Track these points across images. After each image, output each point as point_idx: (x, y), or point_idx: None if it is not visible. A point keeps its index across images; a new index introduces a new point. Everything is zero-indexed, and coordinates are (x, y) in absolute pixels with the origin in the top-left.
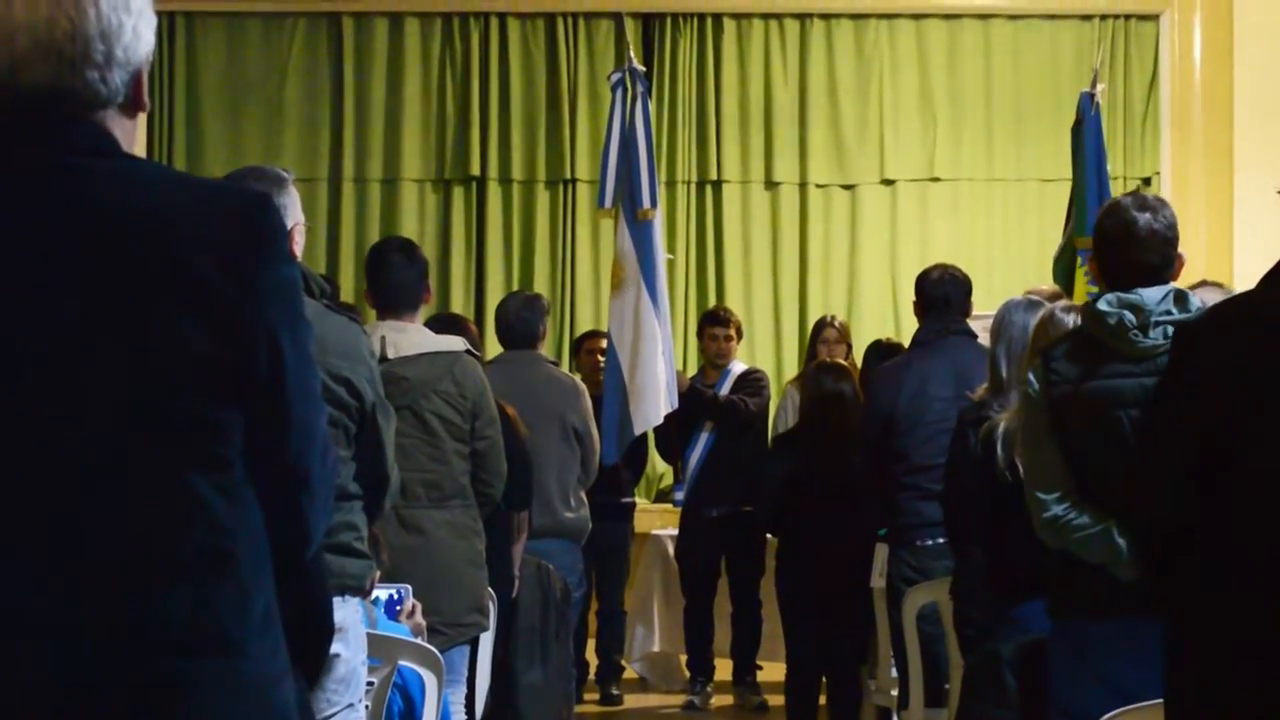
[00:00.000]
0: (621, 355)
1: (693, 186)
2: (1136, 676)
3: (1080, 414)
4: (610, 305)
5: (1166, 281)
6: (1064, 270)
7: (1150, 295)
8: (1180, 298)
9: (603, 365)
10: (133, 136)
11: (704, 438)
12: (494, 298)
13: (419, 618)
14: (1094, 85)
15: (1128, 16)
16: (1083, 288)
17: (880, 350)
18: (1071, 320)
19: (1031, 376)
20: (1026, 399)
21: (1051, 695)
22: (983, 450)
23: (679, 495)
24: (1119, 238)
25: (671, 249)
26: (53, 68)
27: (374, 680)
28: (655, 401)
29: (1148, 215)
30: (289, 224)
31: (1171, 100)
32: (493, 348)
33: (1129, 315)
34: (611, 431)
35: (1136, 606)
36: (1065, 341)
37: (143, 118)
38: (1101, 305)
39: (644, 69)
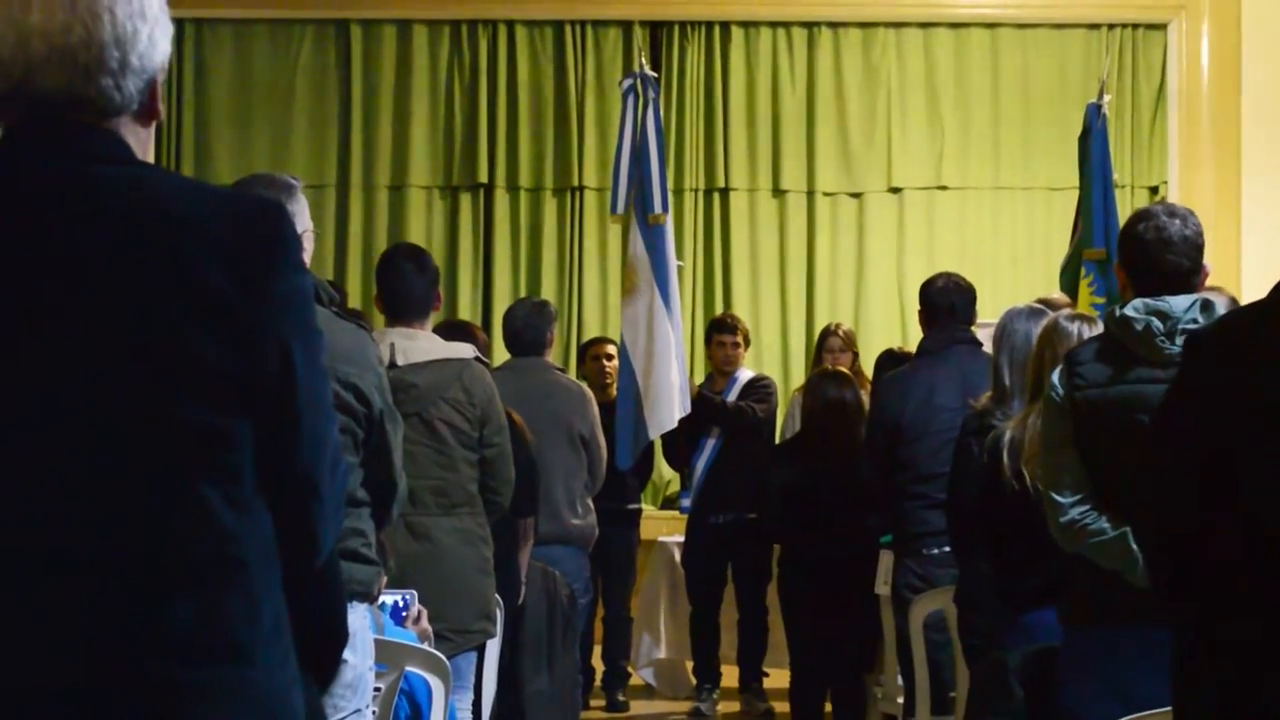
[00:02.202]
0: (635, 360)
1: (700, 194)
2: (1148, 686)
3: (1104, 419)
4: (622, 311)
5: (1194, 289)
6: (1070, 281)
7: (1178, 303)
8: (1206, 306)
9: (609, 372)
10: (147, 145)
11: (710, 444)
12: (501, 304)
13: (425, 623)
14: (1100, 96)
15: (1135, 26)
16: (1087, 298)
17: (892, 359)
18: (1076, 329)
19: (1056, 380)
20: (1049, 402)
21: (1061, 703)
22: (988, 459)
23: (685, 502)
24: (1151, 244)
25: (679, 256)
26: (67, 74)
27: (381, 686)
28: (669, 406)
29: (1178, 223)
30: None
31: (1179, 109)
32: (500, 354)
33: (1156, 322)
34: (626, 436)
35: (1150, 615)
36: (1090, 346)
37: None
38: (1129, 311)
39: (655, 75)
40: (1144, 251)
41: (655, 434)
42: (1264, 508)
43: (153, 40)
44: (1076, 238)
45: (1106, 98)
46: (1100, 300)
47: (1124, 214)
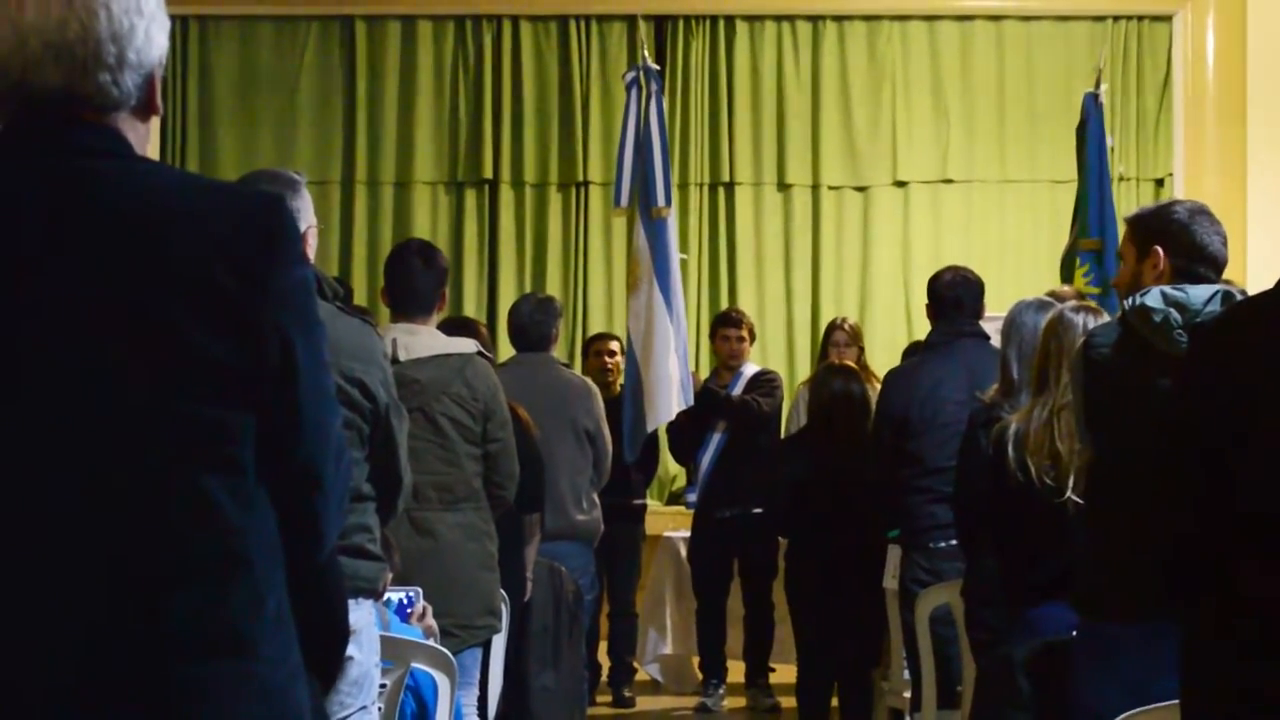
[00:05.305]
0: (637, 353)
1: (705, 188)
2: (1163, 680)
3: (1115, 407)
4: (628, 304)
5: (1222, 272)
6: (1067, 272)
7: (1197, 294)
8: (1227, 298)
9: (610, 368)
10: (146, 140)
11: (716, 439)
12: (506, 300)
13: (430, 620)
14: (1097, 85)
15: (1140, 17)
16: (1082, 288)
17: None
18: (1081, 320)
19: (1077, 362)
20: (1074, 378)
21: (1074, 697)
22: (993, 451)
23: (691, 497)
24: (1193, 224)
25: (684, 251)
26: (64, 70)
27: (386, 682)
28: (667, 399)
29: (1203, 213)
30: (302, 227)
31: (1184, 101)
32: (505, 350)
33: (1174, 314)
34: (630, 429)
35: (1166, 610)
36: (1110, 332)
37: (156, 121)
38: (1149, 301)
39: (658, 68)
40: (1186, 230)
41: (653, 427)
42: (1266, 498)
43: (149, 36)
44: (1074, 229)
45: (1103, 86)
46: (1095, 290)
47: (1129, 207)
